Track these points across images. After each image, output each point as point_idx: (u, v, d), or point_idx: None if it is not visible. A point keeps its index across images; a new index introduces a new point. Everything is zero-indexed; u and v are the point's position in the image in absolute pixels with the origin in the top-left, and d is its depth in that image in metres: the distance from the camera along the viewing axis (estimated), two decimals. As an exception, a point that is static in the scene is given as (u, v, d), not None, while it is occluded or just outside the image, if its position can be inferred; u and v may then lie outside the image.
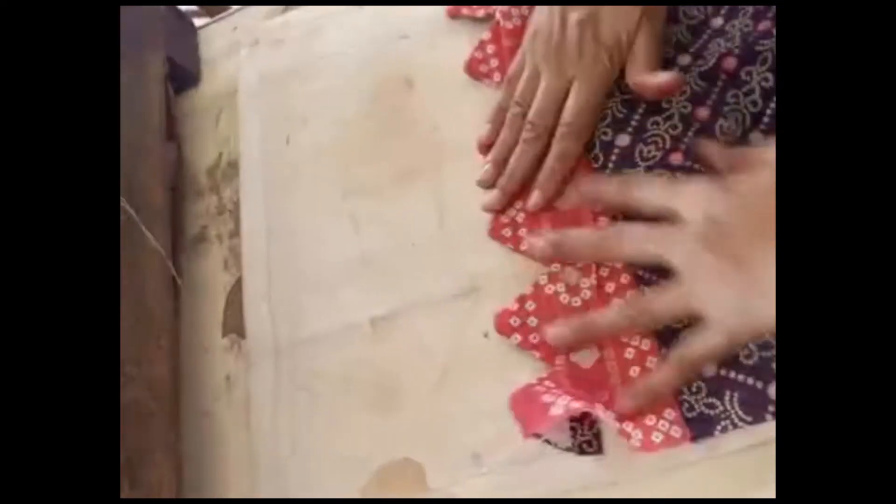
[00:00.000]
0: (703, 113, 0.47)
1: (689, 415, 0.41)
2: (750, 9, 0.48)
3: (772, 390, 0.40)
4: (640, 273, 0.44)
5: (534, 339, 0.45)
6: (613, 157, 0.48)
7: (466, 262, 0.49)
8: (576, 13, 0.48)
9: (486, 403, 0.45)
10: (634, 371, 0.43)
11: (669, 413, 0.41)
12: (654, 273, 0.44)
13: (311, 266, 0.53)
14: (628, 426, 0.41)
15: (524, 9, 0.53)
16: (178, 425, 0.49)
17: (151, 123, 0.57)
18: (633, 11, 0.47)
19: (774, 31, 0.47)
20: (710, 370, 0.41)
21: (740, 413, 0.40)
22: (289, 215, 0.55)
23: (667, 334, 0.43)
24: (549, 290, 0.46)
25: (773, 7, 0.48)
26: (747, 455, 0.39)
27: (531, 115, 0.49)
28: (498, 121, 0.51)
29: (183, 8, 0.65)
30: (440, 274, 0.49)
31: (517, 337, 0.45)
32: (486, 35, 0.55)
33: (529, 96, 0.50)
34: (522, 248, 0.48)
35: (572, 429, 0.42)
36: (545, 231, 0.47)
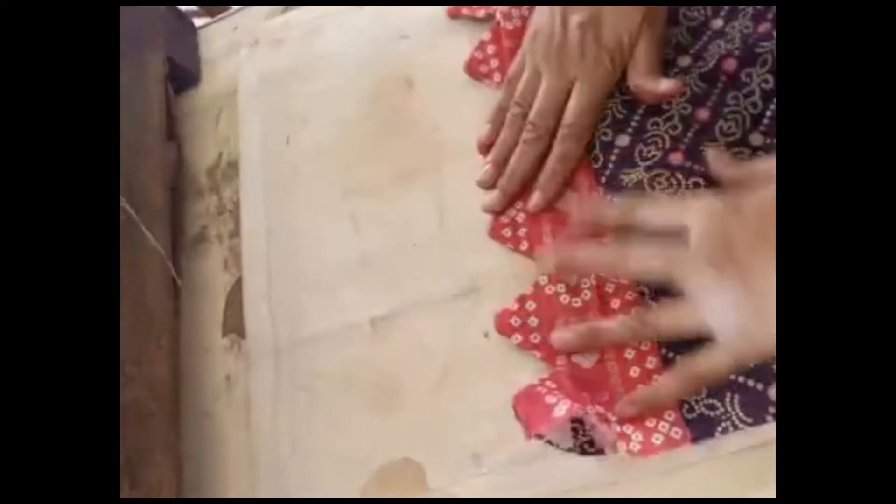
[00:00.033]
0: (703, 114, 0.47)
1: (690, 416, 0.41)
2: (750, 10, 0.49)
3: (772, 392, 0.40)
4: (645, 290, 0.44)
5: (534, 339, 0.45)
6: (613, 157, 0.48)
7: (466, 262, 0.49)
8: (577, 15, 0.48)
9: (486, 403, 0.45)
10: (635, 371, 0.43)
11: (669, 414, 0.41)
12: (661, 290, 0.43)
13: (311, 266, 0.53)
14: (628, 429, 0.41)
15: (524, 9, 0.53)
16: (178, 425, 0.49)
17: (151, 123, 0.57)
18: (635, 13, 0.47)
19: (774, 33, 0.47)
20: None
21: (741, 414, 0.40)
22: (289, 215, 0.55)
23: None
24: (550, 290, 0.46)
25: (773, 8, 0.48)
26: (748, 456, 0.39)
27: (532, 115, 0.49)
28: (498, 121, 0.51)
29: (183, 8, 0.65)
30: (440, 274, 0.49)
31: (518, 337, 0.45)
32: (487, 35, 0.55)
33: (530, 97, 0.50)
34: (522, 248, 0.48)
35: (574, 429, 0.42)
36: (553, 247, 0.47)
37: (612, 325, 0.43)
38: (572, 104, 0.48)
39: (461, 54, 0.54)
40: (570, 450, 0.42)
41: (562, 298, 0.45)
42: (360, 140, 0.55)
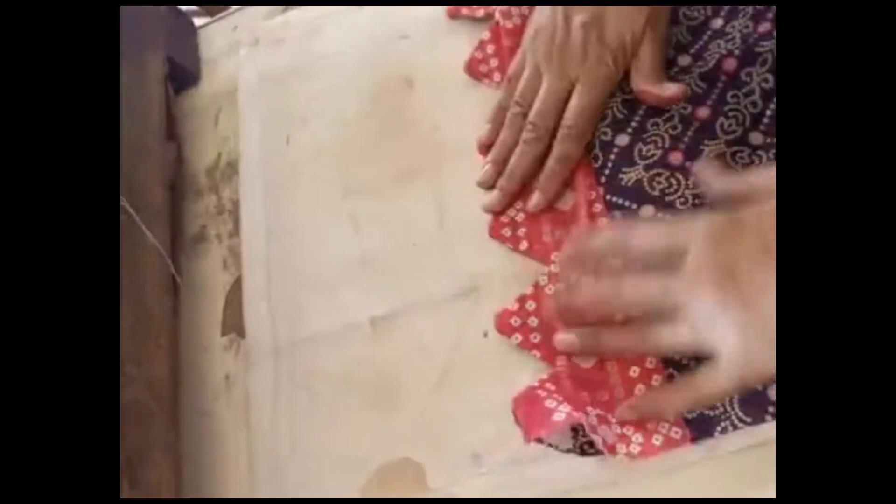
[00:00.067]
0: (703, 113, 0.47)
1: (689, 416, 0.41)
2: (750, 10, 0.49)
3: (771, 391, 0.40)
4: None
5: (534, 338, 0.45)
6: (612, 157, 0.48)
7: (466, 262, 0.49)
8: (580, 14, 0.47)
9: (486, 403, 0.45)
10: (634, 372, 0.43)
11: (669, 414, 0.41)
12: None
13: (311, 266, 0.53)
14: (629, 430, 0.41)
15: (524, 8, 0.53)
16: (178, 425, 0.49)
17: (151, 123, 0.57)
18: (639, 14, 0.47)
19: (774, 33, 0.47)
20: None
21: (740, 414, 0.40)
22: (289, 215, 0.55)
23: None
24: (550, 290, 0.46)
25: (773, 8, 0.48)
26: (747, 455, 0.39)
27: (532, 115, 0.49)
28: (498, 121, 0.51)
29: (183, 8, 0.65)
30: (440, 274, 0.49)
31: (518, 337, 0.45)
32: (486, 35, 0.55)
33: (530, 96, 0.50)
34: (522, 247, 0.48)
35: (573, 430, 0.42)
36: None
37: (617, 338, 0.43)
38: (573, 104, 0.48)
39: (461, 54, 0.54)
40: (569, 451, 0.42)
41: (562, 298, 0.45)
42: (360, 140, 0.55)
